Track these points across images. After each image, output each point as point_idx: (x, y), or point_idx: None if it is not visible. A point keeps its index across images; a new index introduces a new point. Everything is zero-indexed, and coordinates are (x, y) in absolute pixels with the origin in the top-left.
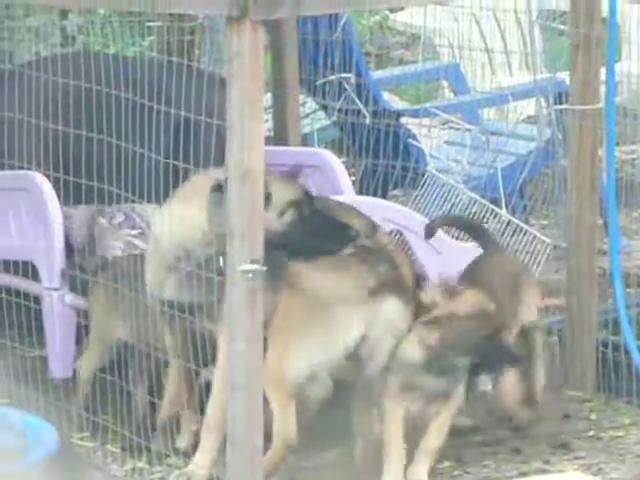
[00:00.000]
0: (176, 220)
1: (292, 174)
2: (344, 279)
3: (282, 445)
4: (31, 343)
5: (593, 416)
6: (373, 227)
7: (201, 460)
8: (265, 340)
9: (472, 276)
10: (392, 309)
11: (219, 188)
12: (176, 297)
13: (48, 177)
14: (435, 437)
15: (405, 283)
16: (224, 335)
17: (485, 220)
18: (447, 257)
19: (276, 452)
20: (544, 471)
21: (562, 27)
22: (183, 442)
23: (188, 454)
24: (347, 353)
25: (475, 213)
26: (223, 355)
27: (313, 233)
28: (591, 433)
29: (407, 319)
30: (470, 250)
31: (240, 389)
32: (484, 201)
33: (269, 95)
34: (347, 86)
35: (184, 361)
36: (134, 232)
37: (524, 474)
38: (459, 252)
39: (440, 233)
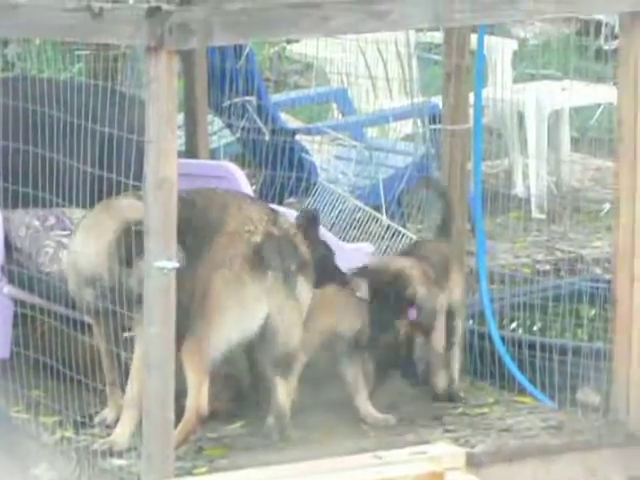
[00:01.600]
0: (79, 253)
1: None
2: (254, 264)
3: (194, 417)
4: None
5: (461, 395)
6: (275, 215)
7: (121, 431)
8: (186, 320)
9: (410, 253)
10: (299, 289)
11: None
12: (94, 304)
13: None
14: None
15: (308, 264)
16: (141, 324)
17: (368, 225)
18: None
19: (188, 423)
20: (417, 443)
21: (436, 57)
22: (110, 414)
23: (110, 426)
24: (258, 332)
25: (359, 219)
26: (140, 340)
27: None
28: (459, 410)
29: (309, 298)
30: (352, 251)
31: (155, 368)
32: (367, 208)
33: (182, 115)
34: (249, 107)
35: (108, 345)
36: (64, 233)
37: (398, 445)
38: (343, 253)
39: (329, 234)
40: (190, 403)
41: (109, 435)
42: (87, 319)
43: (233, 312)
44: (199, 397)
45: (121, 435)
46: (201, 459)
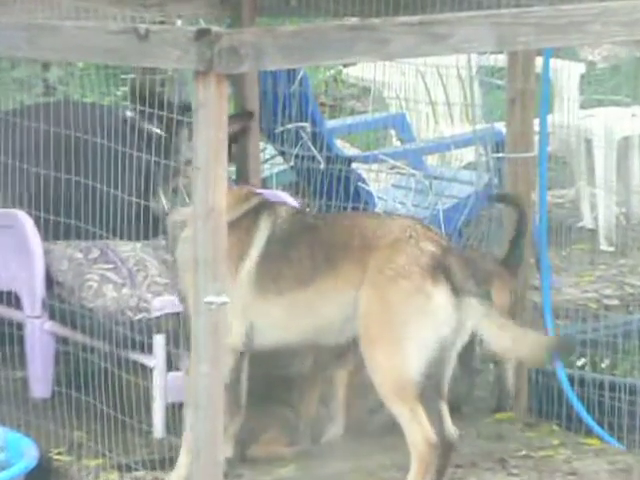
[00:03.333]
0: None
1: None
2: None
3: (427, 449)
4: (13, 366)
5: (525, 436)
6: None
7: (175, 476)
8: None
9: None
10: None
11: None
12: None
13: (31, 215)
14: None
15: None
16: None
17: None
18: None
19: (423, 458)
20: None
21: (499, 82)
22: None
23: (153, 467)
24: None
25: None
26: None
27: None
28: (523, 452)
29: None
30: None
31: (203, 409)
32: None
33: None
34: (303, 134)
35: None
36: (108, 266)
37: None
38: None
39: None
40: (415, 438)
41: (153, 478)
42: (132, 357)
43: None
44: (421, 427)
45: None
46: None
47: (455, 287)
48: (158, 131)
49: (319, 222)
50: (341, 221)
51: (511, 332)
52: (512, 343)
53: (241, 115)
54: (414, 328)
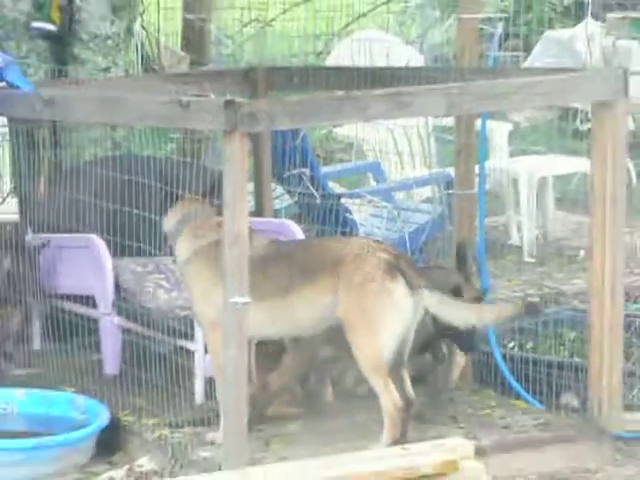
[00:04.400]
0: None
1: None
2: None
3: (395, 413)
4: (91, 350)
5: (470, 400)
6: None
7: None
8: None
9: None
10: None
11: None
12: None
13: (103, 239)
14: None
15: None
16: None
17: None
18: None
19: (393, 421)
20: (437, 437)
21: (449, 137)
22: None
23: (195, 424)
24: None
25: None
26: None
27: None
28: (469, 411)
29: None
30: None
31: (231, 384)
32: None
33: (252, 183)
34: (304, 177)
35: None
36: (161, 276)
37: (421, 439)
38: None
39: None
40: (386, 403)
41: (198, 434)
42: (179, 343)
43: (390, 313)
44: (391, 395)
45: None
46: (268, 452)
47: (409, 282)
48: None
49: (293, 248)
50: (312, 245)
51: (469, 306)
52: (473, 313)
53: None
54: (383, 318)
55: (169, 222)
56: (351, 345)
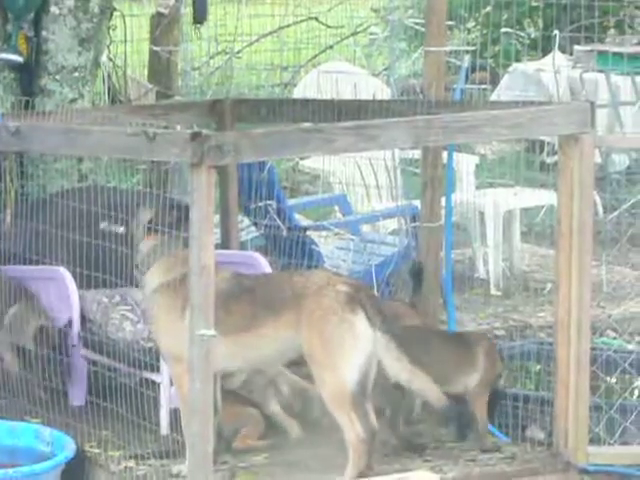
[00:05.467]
0: None
1: None
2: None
3: (360, 446)
4: (56, 381)
5: (437, 433)
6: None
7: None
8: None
9: None
10: None
11: None
12: None
13: (69, 270)
14: None
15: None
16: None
17: None
18: None
19: (358, 454)
20: (402, 470)
21: (416, 170)
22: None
23: (161, 456)
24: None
25: None
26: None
27: None
28: (435, 444)
29: None
30: None
31: (197, 414)
32: None
33: (218, 215)
34: (270, 209)
35: None
36: (127, 308)
37: (387, 472)
38: None
39: None
40: (350, 436)
41: (162, 466)
42: (145, 375)
43: (351, 345)
44: (354, 428)
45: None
46: None
47: (368, 316)
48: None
49: (254, 282)
50: (273, 280)
51: (405, 365)
52: (407, 375)
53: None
54: (345, 350)
55: (140, 253)
56: (314, 379)
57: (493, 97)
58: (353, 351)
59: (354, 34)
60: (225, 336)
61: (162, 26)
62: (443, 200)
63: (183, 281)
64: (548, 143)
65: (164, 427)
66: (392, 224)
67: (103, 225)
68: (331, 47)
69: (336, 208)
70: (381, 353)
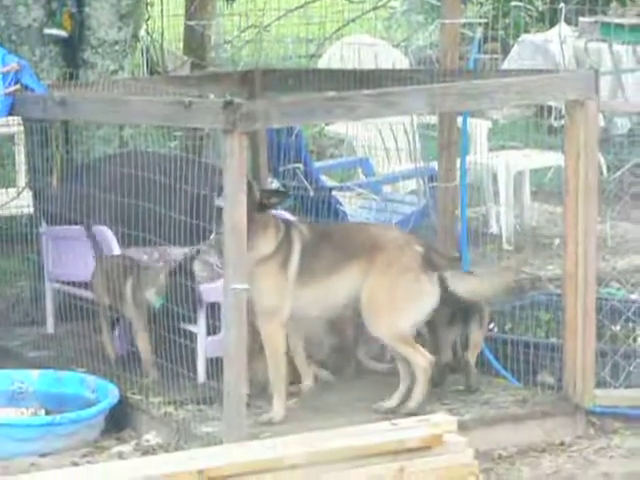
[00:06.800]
0: None
1: None
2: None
3: (429, 366)
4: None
5: (453, 378)
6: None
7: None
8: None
9: None
10: None
11: None
12: None
13: (112, 230)
14: None
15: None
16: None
17: None
18: None
19: (425, 376)
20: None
21: (433, 134)
22: None
23: (198, 402)
24: None
25: None
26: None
27: None
28: (452, 389)
29: None
30: None
31: (232, 360)
32: None
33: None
34: (298, 172)
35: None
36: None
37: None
38: None
39: None
40: (419, 361)
41: (200, 411)
42: (185, 327)
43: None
44: (421, 353)
45: (279, 410)
46: (265, 427)
47: (437, 270)
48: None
49: (331, 231)
50: (350, 229)
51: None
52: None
53: (280, 193)
54: (412, 304)
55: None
56: (371, 321)
57: (504, 66)
58: (419, 306)
59: (375, 8)
60: (307, 285)
61: (197, 2)
62: (458, 162)
63: (286, 249)
64: (555, 108)
65: (201, 375)
66: (411, 184)
67: (218, 202)
68: (353, 20)
69: (359, 170)
70: (454, 283)
